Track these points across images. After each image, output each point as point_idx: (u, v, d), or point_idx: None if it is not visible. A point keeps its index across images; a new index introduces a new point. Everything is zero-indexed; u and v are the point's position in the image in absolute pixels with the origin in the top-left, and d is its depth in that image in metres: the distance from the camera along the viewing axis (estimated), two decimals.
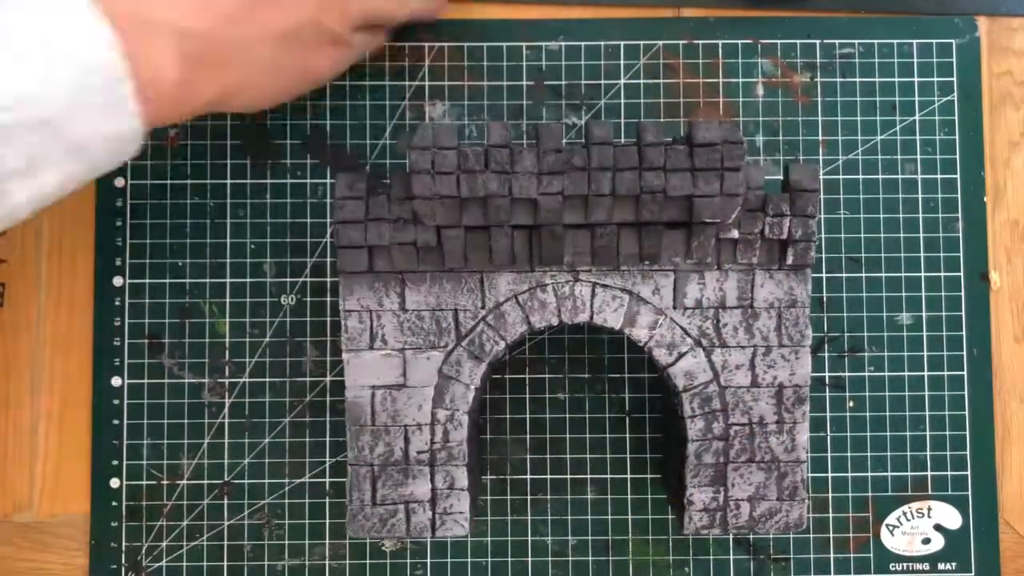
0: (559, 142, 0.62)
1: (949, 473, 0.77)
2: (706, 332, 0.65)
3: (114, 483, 0.76)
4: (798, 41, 0.77)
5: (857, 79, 0.77)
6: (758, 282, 0.65)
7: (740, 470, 0.66)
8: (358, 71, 0.77)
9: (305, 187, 0.77)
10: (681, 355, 0.65)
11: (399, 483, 0.66)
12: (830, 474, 0.77)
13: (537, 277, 0.65)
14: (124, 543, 0.76)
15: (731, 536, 0.77)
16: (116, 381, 0.77)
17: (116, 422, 0.76)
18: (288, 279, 0.77)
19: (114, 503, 0.76)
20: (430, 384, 0.65)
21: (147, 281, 0.77)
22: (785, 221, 0.63)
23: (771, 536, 0.77)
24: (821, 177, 0.76)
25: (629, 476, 0.77)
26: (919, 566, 0.77)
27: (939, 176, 0.77)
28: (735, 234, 0.64)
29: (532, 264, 0.65)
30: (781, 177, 0.65)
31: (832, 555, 0.77)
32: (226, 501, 0.77)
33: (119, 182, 0.77)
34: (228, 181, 0.77)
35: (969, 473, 0.77)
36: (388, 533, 0.66)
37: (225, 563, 0.76)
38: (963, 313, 0.77)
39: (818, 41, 0.77)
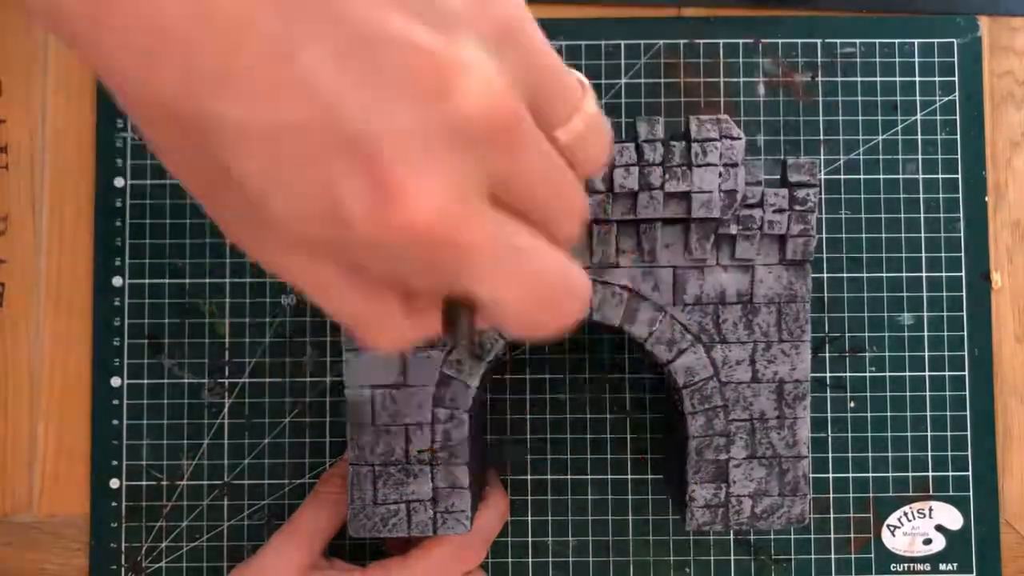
0: None
1: (950, 473, 0.76)
2: (706, 328, 0.65)
3: (114, 483, 0.76)
4: (799, 40, 0.77)
5: (858, 78, 0.77)
6: (758, 277, 0.65)
7: (741, 466, 0.66)
8: None
9: None
10: (681, 352, 0.65)
11: (400, 482, 0.65)
12: (831, 475, 0.76)
13: None
14: (124, 544, 0.76)
15: (732, 536, 0.76)
16: (116, 381, 0.77)
17: (116, 422, 0.76)
18: None
19: (114, 503, 0.76)
20: (430, 383, 0.65)
21: (147, 281, 0.77)
22: (784, 216, 0.63)
23: (772, 536, 0.76)
24: (822, 177, 0.76)
25: (630, 477, 0.77)
26: (920, 567, 0.76)
27: (940, 176, 0.77)
28: (733, 230, 0.63)
29: None
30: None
31: (833, 556, 0.76)
32: (226, 502, 0.77)
33: (119, 182, 0.77)
34: None
35: (970, 474, 0.76)
36: (389, 532, 0.65)
37: (225, 564, 0.76)
38: (964, 313, 0.77)
39: (819, 40, 0.77)
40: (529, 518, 0.77)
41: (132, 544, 0.76)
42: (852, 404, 0.76)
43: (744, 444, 0.66)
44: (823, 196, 0.76)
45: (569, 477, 0.77)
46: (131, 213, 0.77)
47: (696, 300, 0.65)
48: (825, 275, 0.76)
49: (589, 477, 0.77)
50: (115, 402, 0.77)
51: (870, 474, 0.76)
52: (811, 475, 0.76)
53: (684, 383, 0.65)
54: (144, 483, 0.76)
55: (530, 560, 0.76)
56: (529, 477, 0.77)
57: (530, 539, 0.77)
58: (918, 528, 0.76)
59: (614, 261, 0.64)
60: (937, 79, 0.77)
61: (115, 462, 0.76)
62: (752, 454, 0.66)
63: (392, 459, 0.65)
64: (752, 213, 0.63)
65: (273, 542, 0.69)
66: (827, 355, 0.77)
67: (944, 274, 0.76)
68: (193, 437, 0.77)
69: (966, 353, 0.77)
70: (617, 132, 0.74)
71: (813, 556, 0.76)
